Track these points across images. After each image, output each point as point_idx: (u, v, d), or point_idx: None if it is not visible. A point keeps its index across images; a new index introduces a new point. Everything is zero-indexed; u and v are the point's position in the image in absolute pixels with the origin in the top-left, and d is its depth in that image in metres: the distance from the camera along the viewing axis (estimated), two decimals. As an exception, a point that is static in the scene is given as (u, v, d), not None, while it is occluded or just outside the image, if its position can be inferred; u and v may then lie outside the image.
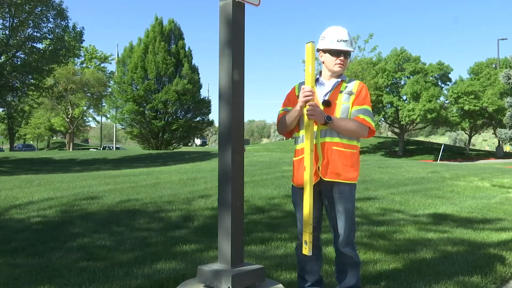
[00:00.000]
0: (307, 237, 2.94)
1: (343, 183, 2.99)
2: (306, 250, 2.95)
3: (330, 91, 3.08)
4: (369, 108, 3.06)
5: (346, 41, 3.05)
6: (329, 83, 3.11)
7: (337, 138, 2.99)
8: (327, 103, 3.02)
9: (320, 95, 3.09)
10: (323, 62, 3.13)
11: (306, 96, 2.93)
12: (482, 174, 12.74)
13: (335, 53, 3.06)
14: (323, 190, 3.04)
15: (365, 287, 3.51)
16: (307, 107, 2.93)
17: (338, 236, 3.03)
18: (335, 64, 3.07)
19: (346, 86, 3.07)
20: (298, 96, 3.13)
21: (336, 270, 3.18)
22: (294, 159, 3.17)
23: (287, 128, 3.14)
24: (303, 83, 3.18)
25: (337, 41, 3.05)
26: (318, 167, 2.98)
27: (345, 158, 2.99)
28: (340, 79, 3.10)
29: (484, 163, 28.20)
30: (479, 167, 16.78)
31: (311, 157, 2.93)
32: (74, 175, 11.84)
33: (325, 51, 3.09)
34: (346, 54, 3.07)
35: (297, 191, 3.13)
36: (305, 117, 2.97)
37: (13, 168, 19.16)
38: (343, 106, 3.02)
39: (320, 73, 3.18)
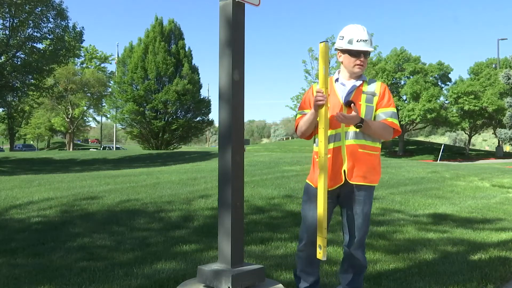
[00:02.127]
0: (321, 241, 2.85)
1: (365, 186, 2.95)
2: (321, 255, 2.85)
3: (351, 91, 2.99)
4: (395, 110, 3.03)
5: (366, 40, 2.96)
6: (349, 83, 3.03)
7: (362, 140, 2.93)
8: (349, 104, 2.91)
9: (342, 95, 3.00)
10: (342, 62, 3.04)
11: (319, 101, 2.82)
12: (482, 174, 12.73)
13: (355, 53, 2.95)
14: (343, 193, 2.97)
15: (365, 287, 3.51)
16: (336, 115, 2.81)
17: (353, 238, 2.98)
18: (355, 65, 2.97)
19: (368, 87, 3.01)
20: None
21: (341, 270, 3.14)
22: (316, 159, 3.02)
23: (306, 133, 3.04)
24: None
25: (357, 41, 2.94)
26: (344, 170, 2.91)
27: (370, 161, 2.95)
28: (361, 80, 3.02)
29: (484, 163, 28.20)
30: (479, 167, 16.78)
31: (325, 161, 2.83)
32: (74, 175, 11.83)
33: (344, 51, 2.99)
34: (366, 54, 2.98)
35: (311, 191, 3.03)
36: (322, 120, 2.86)
37: (13, 168, 19.17)
38: (366, 107, 2.96)
39: (338, 72, 3.11)
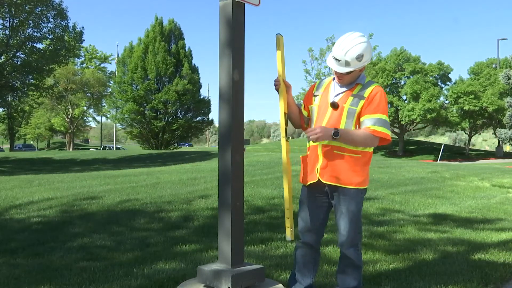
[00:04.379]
0: (286, 222, 3.07)
1: (345, 188, 2.93)
2: (287, 235, 3.06)
3: (342, 92, 2.97)
4: (383, 117, 2.88)
5: (339, 61, 2.86)
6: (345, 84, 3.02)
7: (338, 143, 2.90)
8: (334, 105, 2.93)
9: (332, 96, 3.00)
10: None
11: (275, 85, 3.11)
12: (482, 174, 12.73)
13: None
14: (330, 192, 3.00)
15: (365, 287, 3.51)
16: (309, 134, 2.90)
17: (342, 237, 3.00)
18: (335, 76, 3.01)
19: (360, 89, 2.94)
20: (314, 93, 3.12)
21: (338, 271, 3.15)
22: (302, 156, 3.15)
23: (291, 119, 3.19)
24: (322, 81, 3.17)
25: (332, 56, 2.91)
26: (317, 169, 2.96)
27: (347, 163, 2.91)
28: (356, 82, 2.97)
29: (484, 163, 28.21)
30: (479, 167, 16.78)
31: (283, 143, 3.07)
32: (74, 175, 11.84)
33: None
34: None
35: (304, 190, 3.12)
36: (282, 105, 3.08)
37: (13, 168, 19.16)
38: (349, 110, 2.90)
39: None
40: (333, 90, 3.03)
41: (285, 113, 3.09)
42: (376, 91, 2.92)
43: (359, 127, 2.92)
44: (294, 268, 3.21)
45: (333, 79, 3.09)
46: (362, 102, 2.90)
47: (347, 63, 2.86)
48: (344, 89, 2.99)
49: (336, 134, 2.80)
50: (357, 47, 2.83)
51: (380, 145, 3.00)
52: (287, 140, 3.08)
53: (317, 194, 3.03)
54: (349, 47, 2.83)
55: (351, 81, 2.97)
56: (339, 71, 2.89)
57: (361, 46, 2.84)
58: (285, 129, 3.08)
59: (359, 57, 2.85)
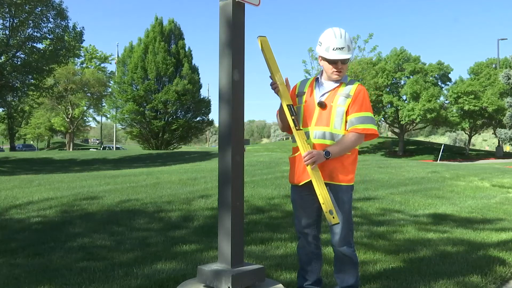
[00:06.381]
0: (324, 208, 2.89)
1: (337, 185, 2.99)
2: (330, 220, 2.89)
3: (327, 92, 3.04)
4: (369, 114, 3.00)
5: (342, 48, 2.96)
6: (328, 83, 3.08)
7: (330, 141, 2.97)
8: (321, 105, 3.00)
9: (317, 95, 3.06)
10: (323, 67, 3.09)
11: (274, 89, 3.09)
12: (482, 174, 12.73)
13: (331, 61, 3.00)
14: None
15: (365, 287, 3.52)
16: (305, 160, 2.88)
17: (335, 235, 3.04)
18: (333, 72, 3.03)
19: (345, 88, 3.03)
20: (297, 94, 3.17)
21: (335, 271, 3.19)
22: (290, 156, 3.18)
23: (280, 124, 3.23)
24: (305, 81, 3.21)
25: (333, 49, 2.97)
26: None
27: (338, 161, 2.97)
28: (340, 81, 3.06)
29: (484, 163, 28.21)
30: (479, 167, 16.78)
31: (295, 134, 2.99)
32: (74, 175, 11.83)
33: (322, 58, 3.04)
34: (343, 61, 3.01)
35: (295, 189, 3.14)
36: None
37: (13, 168, 19.17)
38: (338, 109, 2.98)
39: (321, 72, 3.15)
40: (318, 90, 3.09)
41: (287, 104, 3.04)
42: (360, 89, 3.03)
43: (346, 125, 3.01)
44: (300, 267, 3.24)
45: (316, 79, 3.15)
46: (348, 101, 2.99)
47: (349, 48, 3.00)
48: (329, 88, 3.06)
49: (328, 154, 2.89)
50: (346, 33, 3.02)
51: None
52: (298, 130, 3.01)
53: (307, 192, 3.05)
54: (343, 33, 3.00)
55: (345, 73, 3.08)
56: (347, 57, 3.00)
57: (346, 32, 3.04)
58: (293, 119, 3.02)
59: (352, 41, 3.08)
